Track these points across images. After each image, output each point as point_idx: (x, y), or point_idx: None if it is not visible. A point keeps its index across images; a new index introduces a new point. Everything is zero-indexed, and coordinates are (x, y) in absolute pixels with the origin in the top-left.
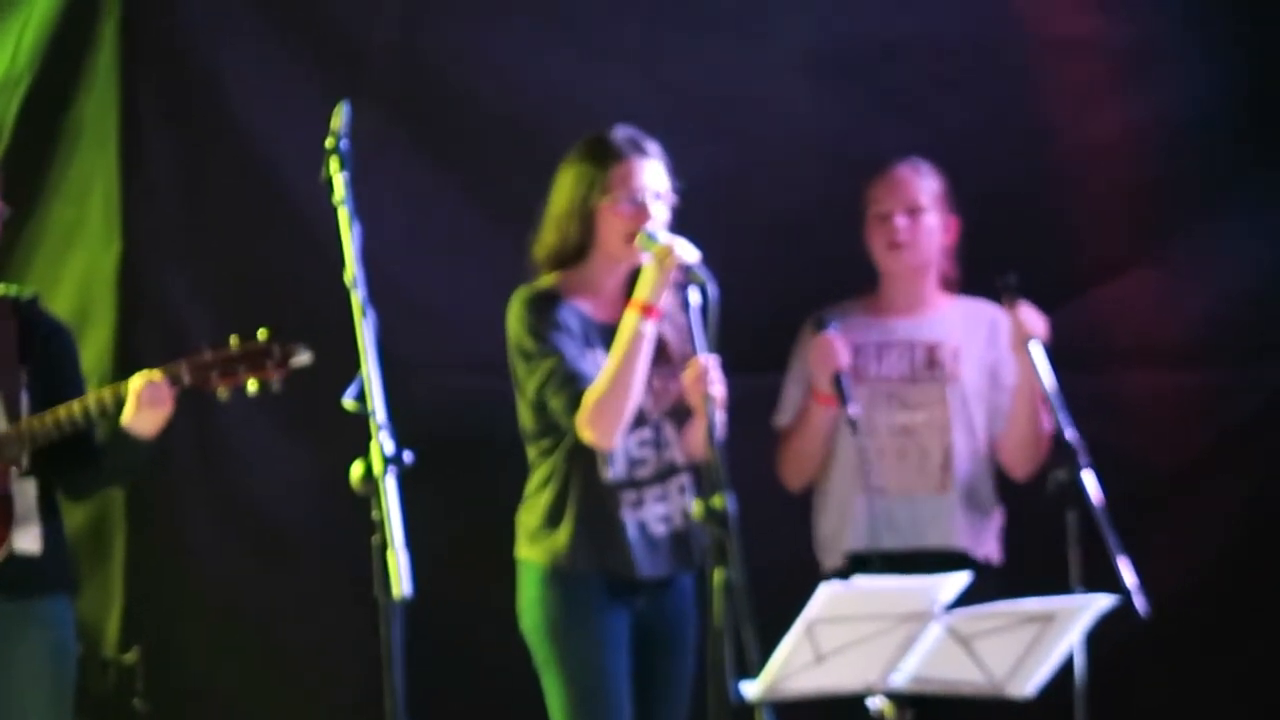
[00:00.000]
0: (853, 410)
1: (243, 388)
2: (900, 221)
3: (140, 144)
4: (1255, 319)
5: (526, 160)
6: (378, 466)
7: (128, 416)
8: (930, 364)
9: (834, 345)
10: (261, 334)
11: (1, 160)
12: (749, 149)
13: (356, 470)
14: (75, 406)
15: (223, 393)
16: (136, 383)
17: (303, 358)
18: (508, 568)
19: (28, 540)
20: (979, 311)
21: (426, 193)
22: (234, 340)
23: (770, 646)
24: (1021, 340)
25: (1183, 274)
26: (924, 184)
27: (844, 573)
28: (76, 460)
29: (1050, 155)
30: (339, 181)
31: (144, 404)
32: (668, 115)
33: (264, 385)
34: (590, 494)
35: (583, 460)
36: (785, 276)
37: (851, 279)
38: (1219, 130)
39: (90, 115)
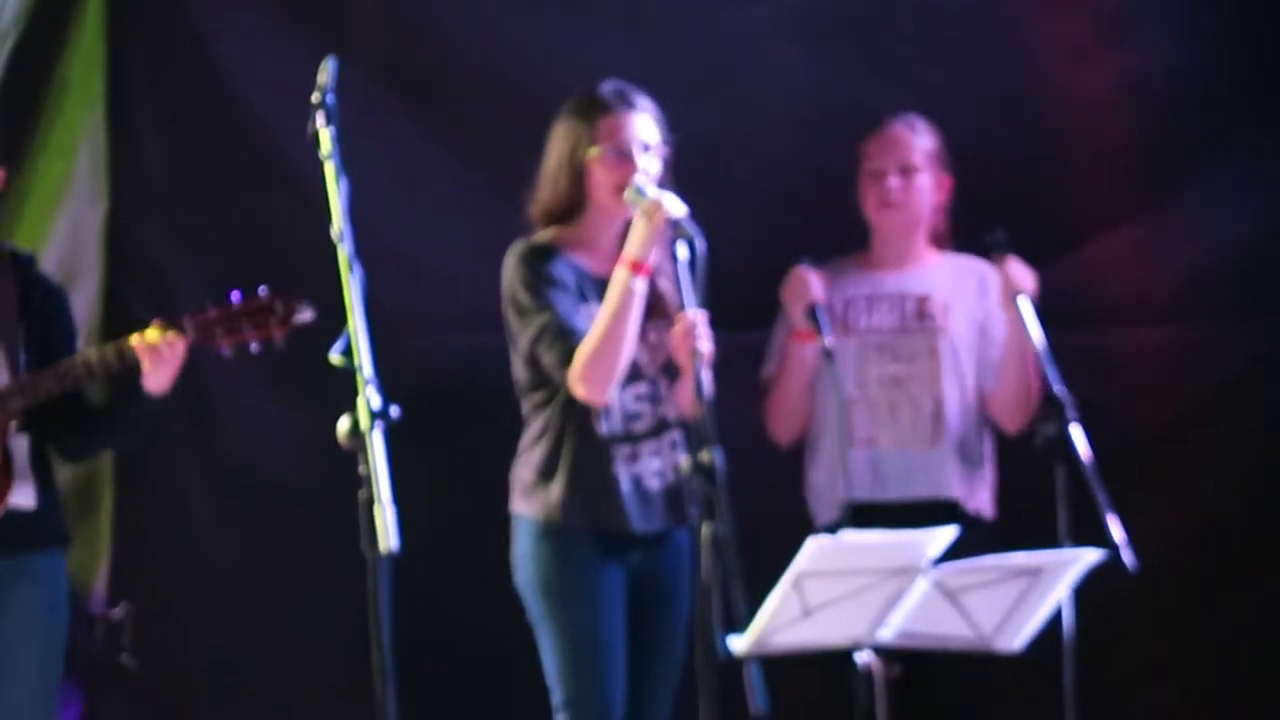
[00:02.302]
0: (828, 340)
1: (246, 345)
2: (893, 181)
3: (127, 99)
4: (1243, 274)
5: (515, 118)
6: (364, 421)
7: (144, 375)
8: (920, 315)
9: (806, 278)
10: (263, 291)
11: None
12: (737, 109)
13: (343, 425)
14: (77, 361)
15: (227, 349)
16: (152, 338)
17: (305, 314)
18: (500, 523)
19: (22, 496)
20: (968, 266)
21: (415, 150)
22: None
23: (760, 601)
24: (1010, 295)
25: (1171, 230)
26: (918, 142)
27: (837, 526)
28: (72, 422)
29: (1039, 113)
30: (325, 137)
31: (161, 360)
32: (656, 74)
33: (267, 343)
34: (585, 448)
35: (577, 414)
36: (774, 234)
37: (840, 237)
38: (1209, 87)
39: (77, 71)
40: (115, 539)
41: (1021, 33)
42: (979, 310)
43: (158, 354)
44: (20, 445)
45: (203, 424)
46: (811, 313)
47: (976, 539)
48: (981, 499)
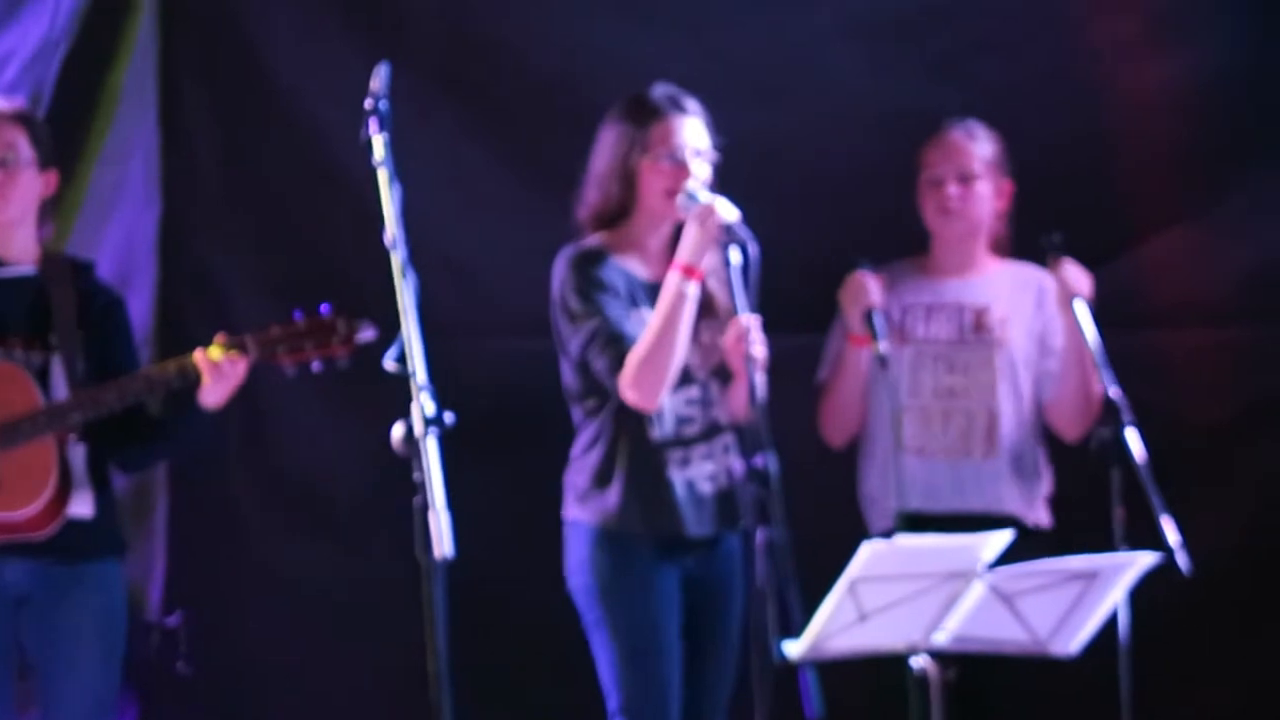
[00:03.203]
0: (884, 347)
1: (308, 364)
2: (952, 189)
3: (180, 106)
4: None
5: (568, 123)
6: (419, 427)
7: (203, 390)
8: (978, 328)
9: (864, 282)
10: (325, 309)
11: (46, 120)
12: (792, 111)
13: (397, 431)
14: (139, 376)
15: (290, 368)
16: (215, 355)
17: (368, 334)
18: (553, 529)
19: (82, 505)
20: (1027, 276)
21: (468, 155)
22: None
23: (814, 606)
24: (1066, 298)
25: (1225, 232)
26: (977, 149)
27: (892, 533)
28: (129, 433)
29: (1093, 114)
30: (378, 143)
31: (222, 378)
32: (711, 78)
33: (329, 361)
34: (639, 453)
35: (630, 420)
36: (829, 235)
37: (895, 240)
38: (1263, 87)
39: (129, 78)
40: (170, 548)
41: (1075, 34)
42: (1037, 322)
43: (219, 371)
44: (78, 455)
45: (256, 431)
46: (869, 318)
47: (1032, 544)
48: (1036, 511)
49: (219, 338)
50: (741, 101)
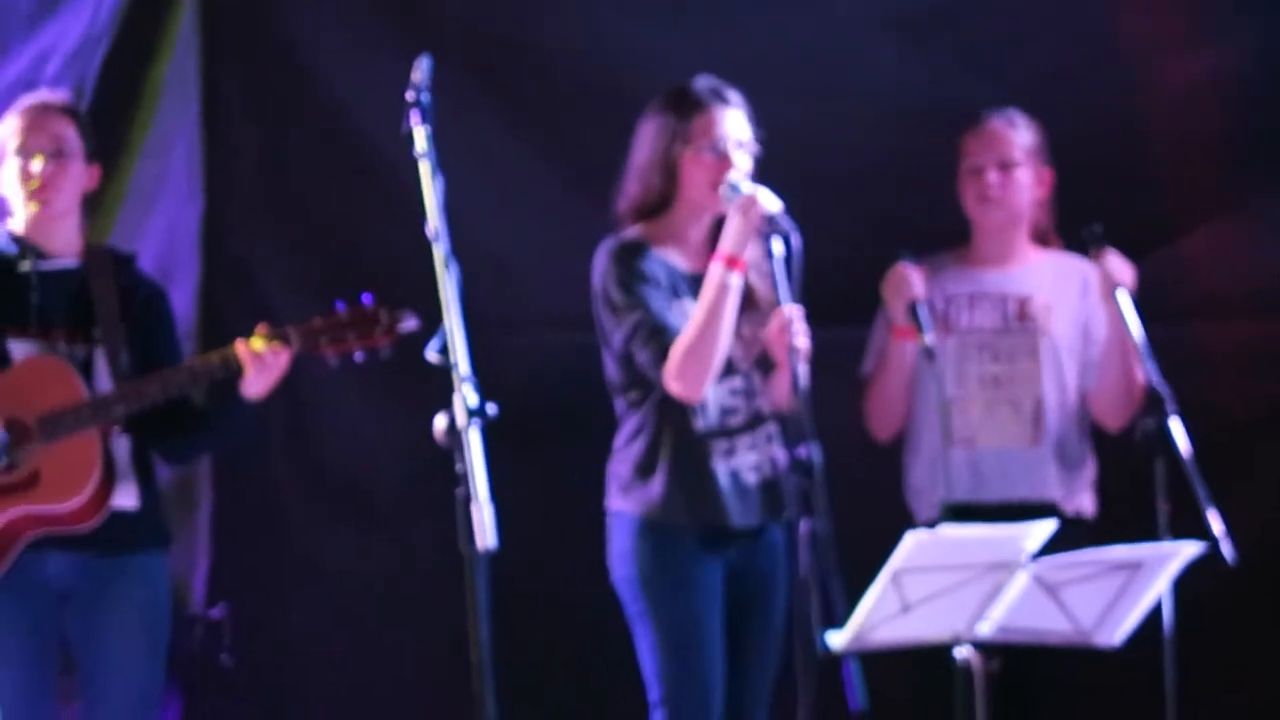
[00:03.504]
0: (929, 339)
1: (351, 354)
2: (992, 177)
3: (221, 101)
4: None
5: (605, 117)
6: (461, 419)
7: (246, 381)
8: (1022, 316)
9: (907, 275)
10: (367, 299)
11: (90, 114)
12: (830, 103)
13: (440, 423)
14: (183, 368)
15: (333, 358)
16: (257, 346)
17: (410, 324)
18: (592, 521)
19: (126, 497)
20: (1071, 266)
21: (507, 150)
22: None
23: (859, 597)
24: (1109, 289)
25: (1267, 223)
26: (1017, 138)
27: (938, 524)
28: (174, 425)
29: (1131, 105)
30: (420, 135)
31: (265, 369)
32: (745, 71)
33: (372, 352)
34: (682, 444)
35: (674, 411)
36: (870, 227)
37: (936, 230)
38: None
39: (171, 72)
40: (214, 540)
41: (1114, 26)
42: (1081, 311)
43: (262, 362)
44: (122, 447)
45: (299, 423)
46: (913, 310)
47: (1076, 535)
48: (1082, 500)
49: (260, 328)
50: (780, 95)
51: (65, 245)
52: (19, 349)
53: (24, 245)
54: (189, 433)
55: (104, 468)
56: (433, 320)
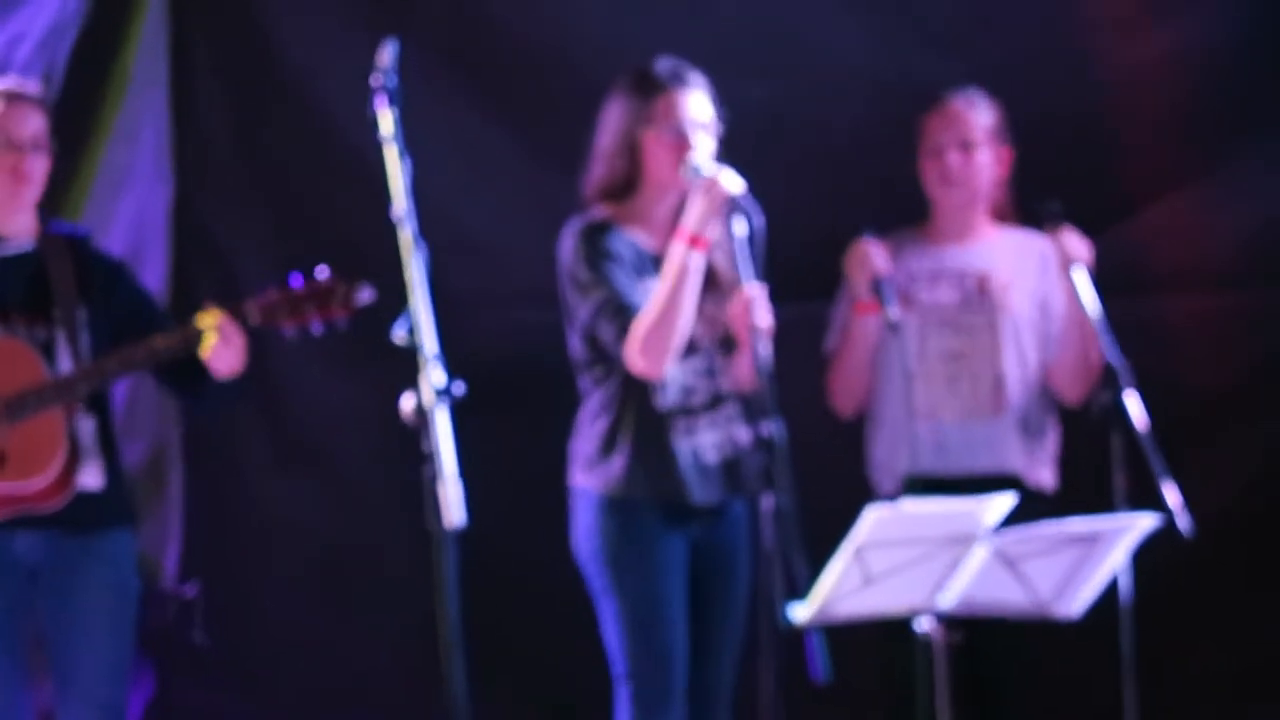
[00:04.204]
0: (893, 313)
1: (308, 326)
2: (953, 158)
3: (190, 85)
4: None
5: (572, 96)
6: (428, 399)
7: (206, 355)
8: (982, 292)
9: (870, 250)
10: (323, 273)
11: (53, 104)
12: (794, 83)
13: (407, 403)
14: (141, 345)
15: (291, 331)
16: (208, 320)
17: (365, 295)
18: (563, 497)
19: (91, 476)
20: (1029, 243)
21: (474, 129)
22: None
23: (821, 571)
24: (1066, 265)
25: (1223, 198)
26: (977, 119)
27: (900, 497)
28: (196, 377)
29: (1092, 83)
30: (386, 118)
31: (220, 346)
32: (712, 50)
33: (329, 324)
34: (644, 422)
35: (636, 389)
36: (832, 204)
37: (896, 207)
38: (1260, 55)
39: (140, 57)
40: (185, 517)
41: (1072, 7)
42: (1040, 287)
43: (220, 336)
44: (87, 428)
45: (271, 403)
46: (876, 285)
47: (1035, 508)
48: (1042, 473)
49: (210, 305)
50: (743, 73)
51: (20, 229)
52: None
53: None
54: (195, 397)
55: (69, 447)
56: (400, 299)
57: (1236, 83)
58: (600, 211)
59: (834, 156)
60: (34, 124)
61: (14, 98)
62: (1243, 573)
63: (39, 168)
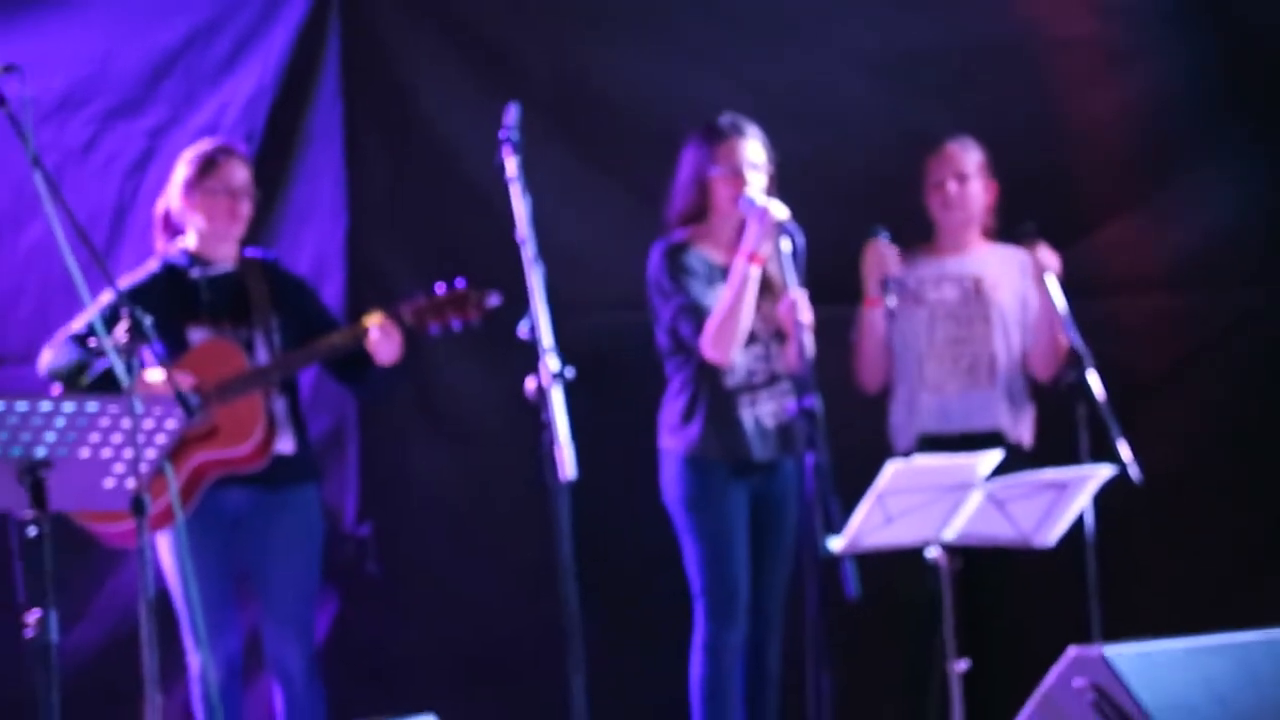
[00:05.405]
0: (890, 302)
1: (449, 326)
2: (951, 188)
3: (358, 141)
4: (1226, 252)
5: (655, 143)
6: (546, 380)
7: (371, 348)
8: (977, 292)
9: (882, 252)
10: (461, 283)
11: (256, 155)
12: (823, 131)
13: (530, 384)
14: (322, 342)
15: (436, 329)
16: (373, 320)
17: (494, 300)
18: (650, 456)
19: (285, 443)
20: (1011, 255)
21: (578, 172)
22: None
23: (851, 511)
24: (1039, 273)
25: (1167, 218)
26: (969, 157)
27: (913, 454)
28: (363, 366)
29: (1059, 129)
30: (511, 164)
31: (381, 340)
32: (760, 106)
33: (467, 323)
34: (715, 397)
35: (709, 371)
36: (855, 229)
37: (907, 228)
38: (1196, 103)
39: (320, 118)
40: (361, 474)
41: (1042, 67)
42: (1020, 288)
43: (382, 333)
44: (281, 406)
45: (423, 385)
46: (884, 284)
47: (1017, 462)
48: (1023, 431)
49: (376, 309)
50: (786, 125)
51: (226, 255)
52: (196, 335)
53: (193, 258)
54: (361, 383)
55: (267, 421)
56: (523, 305)
57: (1173, 127)
58: (679, 234)
59: (857, 189)
60: (243, 175)
61: (229, 154)
62: (1181, 512)
63: (247, 209)
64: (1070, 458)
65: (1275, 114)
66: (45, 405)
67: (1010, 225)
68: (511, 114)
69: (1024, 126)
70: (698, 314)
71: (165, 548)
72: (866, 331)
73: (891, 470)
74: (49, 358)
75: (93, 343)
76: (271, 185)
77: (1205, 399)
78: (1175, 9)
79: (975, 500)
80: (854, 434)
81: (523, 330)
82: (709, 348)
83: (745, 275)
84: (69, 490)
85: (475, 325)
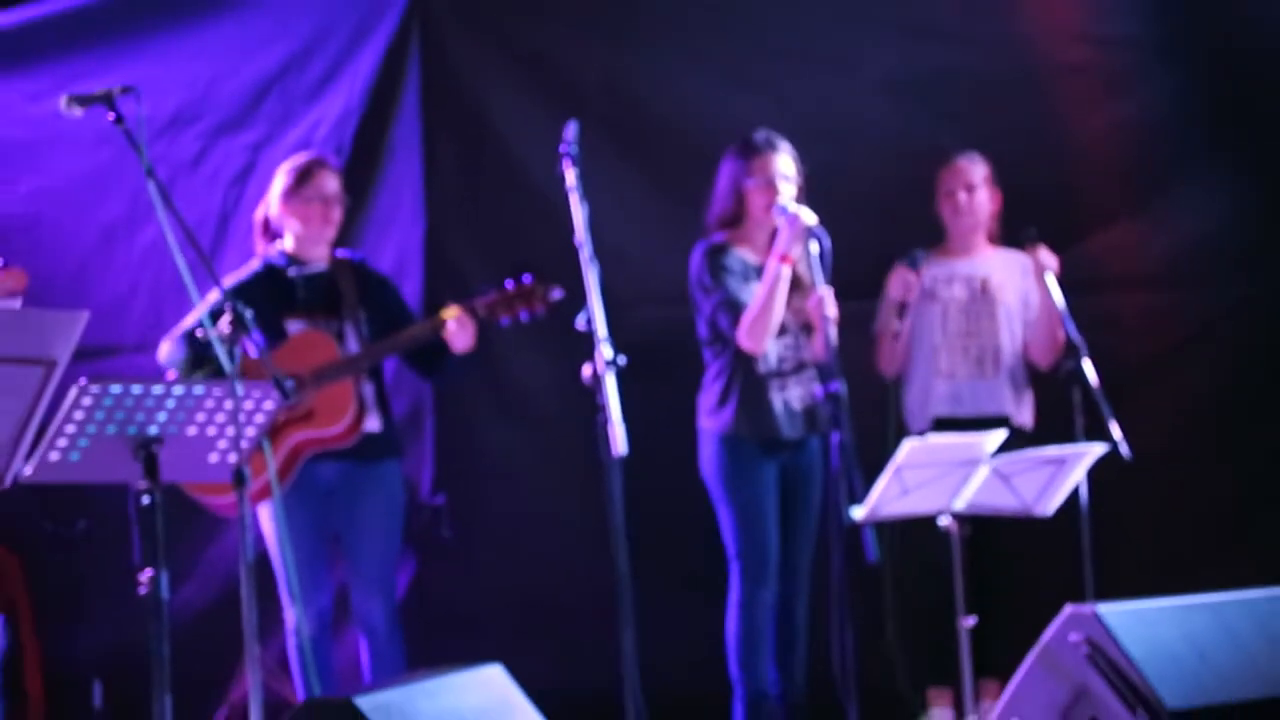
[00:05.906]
0: (896, 326)
1: (518, 317)
2: (961, 197)
3: (435, 153)
4: (1208, 256)
5: (693, 157)
6: (601, 367)
7: (448, 337)
8: (984, 291)
9: (908, 280)
10: (527, 279)
11: (345, 167)
12: (843, 147)
13: (586, 370)
14: (404, 333)
15: (506, 320)
16: (450, 314)
17: (557, 294)
18: (691, 435)
19: (372, 423)
20: (1015, 257)
21: (630, 180)
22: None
23: (871, 484)
24: (1040, 273)
25: (1156, 224)
26: (976, 170)
27: (927, 433)
28: (440, 355)
29: (1059, 145)
30: (570, 174)
31: (460, 329)
32: (787, 123)
33: (532, 315)
34: (749, 382)
35: (743, 359)
36: (874, 234)
37: (922, 233)
38: (1183, 123)
39: (401, 134)
40: (436, 450)
41: (1046, 89)
42: (1022, 287)
43: (458, 325)
44: (369, 390)
45: (492, 371)
46: (901, 308)
47: (1020, 441)
48: (1025, 415)
49: (451, 304)
50: (813, 139)
51: (319, 256)
52: (293, 327)
53: (290, 258)
54: (437, 370)
55: (357, 403)
56: (581, 300)
57: (1163, 142)
58: (718, 237)
59: (877, 197)
60: (334, 185)
61: (322, 166)
62: (1166, 485)
63: (338, 215)
64: (1067, 437)
65: (1253, 134)
66: (158, 388)
67: (1014, 231)
68: (571, 130)
69: (1027, 143)
70: (735, 308)
71: (265, 515)
72: (885, 338)
73: (908, 447)
74: (166, 350)
75: (200, 334)
76: (359, 194)
77: (1188, 385)
78: (1165, 39)
79: (983, 474)
80: (874, 416)
81: (580, 322)
82: (744, 338)
83: (777, 274)
84: (178, 464)
85: (540, 317)
